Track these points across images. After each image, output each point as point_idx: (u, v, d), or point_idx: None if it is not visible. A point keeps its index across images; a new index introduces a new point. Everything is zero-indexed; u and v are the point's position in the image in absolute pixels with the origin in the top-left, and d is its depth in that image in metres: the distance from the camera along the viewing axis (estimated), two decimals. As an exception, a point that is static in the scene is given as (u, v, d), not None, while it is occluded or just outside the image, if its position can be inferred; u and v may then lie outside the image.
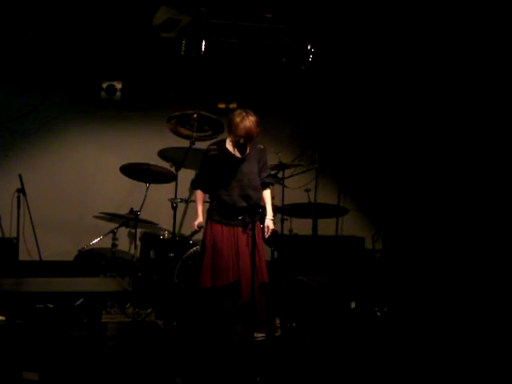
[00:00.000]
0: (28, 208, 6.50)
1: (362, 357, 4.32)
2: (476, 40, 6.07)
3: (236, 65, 7.00)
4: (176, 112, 6.46)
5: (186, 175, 7.02)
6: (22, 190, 6.43)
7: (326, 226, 7.33)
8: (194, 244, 6.30)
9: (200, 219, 5.37)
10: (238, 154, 5.30)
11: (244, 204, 5.22)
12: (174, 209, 6.07)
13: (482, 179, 6.44)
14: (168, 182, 6.53)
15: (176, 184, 6.38)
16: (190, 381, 4.30)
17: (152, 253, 6.44)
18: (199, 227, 5.37)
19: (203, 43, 6.05)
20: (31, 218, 6.54)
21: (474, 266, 6.02)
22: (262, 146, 5.40)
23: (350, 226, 7.50)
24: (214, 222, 5.29)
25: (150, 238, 6.48)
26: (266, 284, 4.98)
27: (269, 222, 5.37)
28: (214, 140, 5.97)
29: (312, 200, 7.03)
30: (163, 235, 6.43)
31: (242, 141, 5.21)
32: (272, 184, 5.58)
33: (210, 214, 5.36)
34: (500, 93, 6.26)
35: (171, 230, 6.22)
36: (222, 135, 6.64)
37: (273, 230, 5.39)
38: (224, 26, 5.82)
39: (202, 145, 6.81)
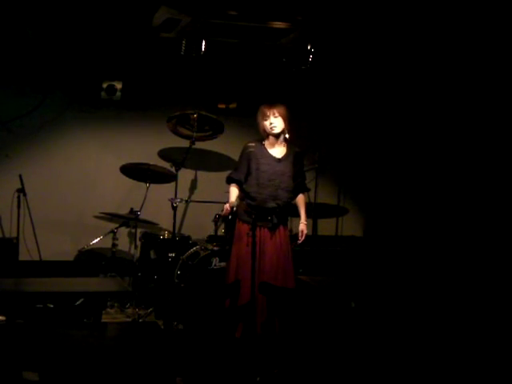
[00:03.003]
0: (28, 208, 6.50)
1: (362, 357, 4.32)
2: (476, 40, 6.07)
3: (236, 65, 7.00)
4: (176, 112, 6.46)
5: (186, 175, 7.04)
6: (22, 190, 6.43)
7: (326, 226, 7.33)
8: (194, 244, 6.31)
9: (232, 199, 5.15)
10: (274, 155, 5.27)
11: (273, 204, 5.15)
12: (174, 209, 6.07)
13: (482, 180, 6.44)
14: (168, 182, 6.53)
15: (176, 184, 6.38)
16: (190, 381, 4.30)
17: (152, 253, 6.45)
18: (231, 207, 5.10)
19: (203, 43, 6.05)
20: (31, 218, 6.54)
21: (473, 266, 6.02)
22: (300, 150, 5.37)
23: (350, 226, 7.50)
24: (242, 221, 5.23)
25: (150, 237, 6.49)
26: (266, 284, 4.97)
27: (303, 226, 5.34)
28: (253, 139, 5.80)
29: (312, 200, 7.03)
30: (163, 235, 6.43)
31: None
32: (307, 190, 5.55)
33: (238, 214, 5.31)
34: (500, 93, 6.26)
35: (171, 229, 6.23)
36: (221, 135, 6.65)
37: (306, 234, 5.35)
38: (224, 26, 5.82)
39: (202, 145, 6.83)
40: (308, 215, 6.95)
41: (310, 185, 7.07)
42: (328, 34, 6.28)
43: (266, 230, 5.17)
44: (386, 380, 4.21)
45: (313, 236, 6.93)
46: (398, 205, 7.43)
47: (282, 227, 5.22)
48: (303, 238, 5.34)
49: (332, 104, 7.46)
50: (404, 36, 6.33)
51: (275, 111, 5.17)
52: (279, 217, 5.20)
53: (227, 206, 5.15)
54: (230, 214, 5.16)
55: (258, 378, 4.46)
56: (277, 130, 5.18)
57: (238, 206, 5.22)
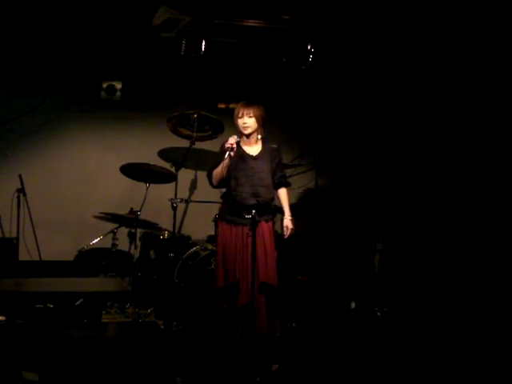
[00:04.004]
0: (28, 208, 6.50)
1: (362, 357, 4.32)
2: (476, 40, 6.07)
3: (236, 65, 7.01)
4: (176, 112, 6.46)
5: (186, 175, 7.04)
6: (22, 190, 6.43)
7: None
8: (194, 244, 6.31)
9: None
10: (250, 151, 5.28)
11: (253, 201, 5.15)
12: (174, 209, 6.07)
13: (481, 178, 6.44)
14: (168, 182, 6.54)
15: (176, 184, 6.39)
16: (190, 381, 4.30)
17: (152, 253, 6.45)
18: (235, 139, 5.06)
19: (203, 43, 6.05)
20: (31, 218, 6.54)
21: (473, 266, 6.02)
22: (275, 146, 5.35)
23: (350, 226, 7.51)
24: (225, 221, 5.24)
25: (150, 237, 6.49)
26: (266, 284, 4.97)
27: (287, 221, 5.31)
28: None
29: (312, 200, 7.04)
30: (163, 235, 6.44)
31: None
32: (288, 184, 5.49)
33: (220, 214, 5.33)
34: (500, 93, 6.27)
35: (171, 229, 6.23)
36: (221, 135, 6.65)
37: (292, 229, 5.32)
38: (224, 25, 5.82)
39: (202, 145, 6.83)
40: (308, 215, 6.99)
41: (310, 185, 7.12)
42: (328, 34, 6.28)
43: (248, 227, 5.18)
44: (386, 380, 4.21)
45: (313, 236, 6.94)
46: (397, 204, 7.43)
47: (264, 223, 5.21)
48: (289, 233, 5.32)
49: (332, 104, 7.46)
50: (404, 36, 6.33)
51: (250, 111, 5.16)
52: (260, 213, 5.19)
53: (230, 140, 5.07)
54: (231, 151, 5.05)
55: (258, 378, 4.47)
56: (248, 131, 5.19)
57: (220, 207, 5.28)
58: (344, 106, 7.47)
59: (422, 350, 4.35)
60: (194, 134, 6.36)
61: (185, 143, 6.48)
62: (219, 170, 5.16)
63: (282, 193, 5.42)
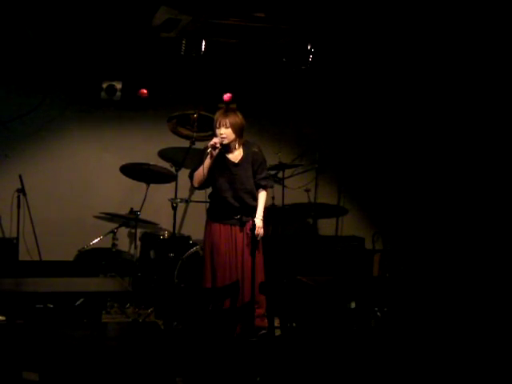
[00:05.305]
0: (28, 208, 6.50)
1: (362, 357, 4.31)
2: (476, 40, 6.07)
3: (236, 65, 7.00)
4: (176, 112, 6.46)
5: (186, 175, 7.02)
6: (22, 190, 6.44)
7: (326, 226, 7.33)
8: (194, 244, 6.31)
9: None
10: (231, 158, 5.28)
11: (237, 204, 5.22)
12: (174, 209, 6.08)
13: (482, 178, 6.44)
14: (168, 182, 6.54)
15: (176, 184, 6.39)
16: (190, 381, 4.30)
17: (152, 253, 6.45)
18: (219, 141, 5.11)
19: (203, 43, 6.05)
20: (31, 218, 6.54)
21: (474, 266, 6.02)
22: (256, 149, 5.34)
23: (350, 226, 7.50)
24: (213, 221, 5.27)
25: (150, 237, 6.49)
26: (266, 284, 4.97)
27: (257, 221, 5.19)
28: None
29: (312, 200, 7.04)
30: (163, 235, 6.44)
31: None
32: (267, 186, 5.40)
33: (208, 214, 5.36)
34: (500, 93, 6.27)
35: (171, 229, 6.23)
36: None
37: (261, 228, 5.17)
38: (224, 26, 5.82)
39: (201, 145, 6.81)
40: (308, 215, 6.99)
41: (310, 185, 7.11)
42: (328, 34, 6.28)
43: (237, 227, 5.21)
44: (386, 380, 4.21)
45: (313, 236, 6.94)
46: (397, 204, 7.43)
47: (251, 224, 5.14)
48: (258, 232, 5.15)
49: (332, 104, 7.45)
50: (404, 36, 6.33)
51: (226, 121, 5.16)
52: (247, 214, 5.19)
53: (214, 139, 5.11)
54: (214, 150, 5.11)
55: (258, 378, 4.46)
56: (226, 141, 5.19)
57: (207, 207, 5.35)
58: (344, 105, 7.47)
59: (421, 350, 4.35)
60: (194, 134, 6.36)
61: (185, 143, 6.48)
62: (201, 172, 5.18)
63: (260, 195, 5.35)
